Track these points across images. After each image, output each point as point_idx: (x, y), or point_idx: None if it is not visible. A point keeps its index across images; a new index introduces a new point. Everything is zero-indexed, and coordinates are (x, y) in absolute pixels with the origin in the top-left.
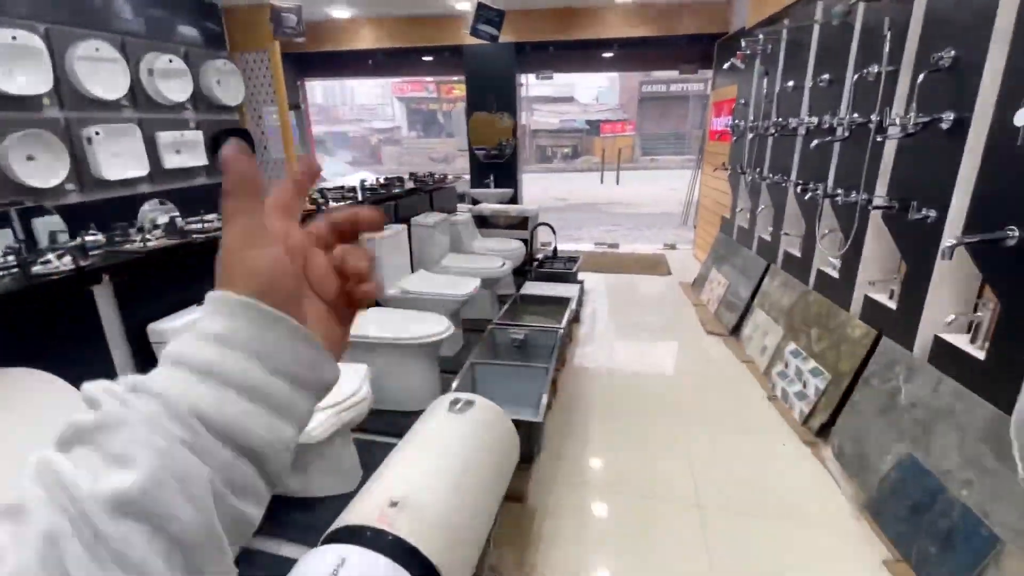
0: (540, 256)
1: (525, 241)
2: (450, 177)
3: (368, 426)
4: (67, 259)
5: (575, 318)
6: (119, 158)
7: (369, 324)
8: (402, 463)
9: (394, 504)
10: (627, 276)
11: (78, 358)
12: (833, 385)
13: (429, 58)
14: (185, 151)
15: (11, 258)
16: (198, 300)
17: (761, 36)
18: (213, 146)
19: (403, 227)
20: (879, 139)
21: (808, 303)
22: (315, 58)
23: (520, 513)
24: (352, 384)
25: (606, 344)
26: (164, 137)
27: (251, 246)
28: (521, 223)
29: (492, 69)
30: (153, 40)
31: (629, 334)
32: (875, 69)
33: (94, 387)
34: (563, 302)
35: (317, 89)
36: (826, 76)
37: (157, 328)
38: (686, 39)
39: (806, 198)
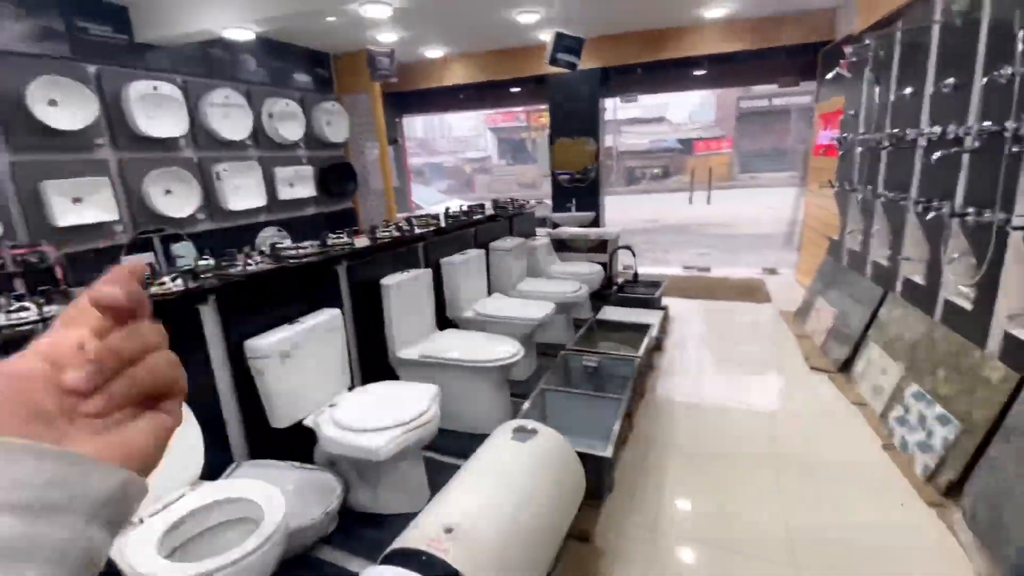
0: (620, 280)
1: (605, 265)
2: (531, 202)
3: (437, 446)
4: (179, 281)
5: (656, 346)
6: (241, 191)
7: (441, 345)
8: (461, 488)
9: (449, 531)
10: (720, 303)
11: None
12: (965, 436)
13: (516, 89)
14: (298, 184)
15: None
16: (289, 319)
17: (871, 41)
18: (322, 179)
19: (481, 252)
20: (1015, 150)
21: (934, 339)
22: (411, 96)
23: (586, 554)
24: (421, 404)
25: (692, 376)
26: (280, 172)
27: None
28: (600, 246)
29: (576, 96)
30: (274, 87)
31: (719, 366)
32: (1008, 70)
33: None
34: (642, 329)
35: (417, 124)
36: (950, 81)
37: (252, 344)
38: (785, 51)
39: (928, 218)
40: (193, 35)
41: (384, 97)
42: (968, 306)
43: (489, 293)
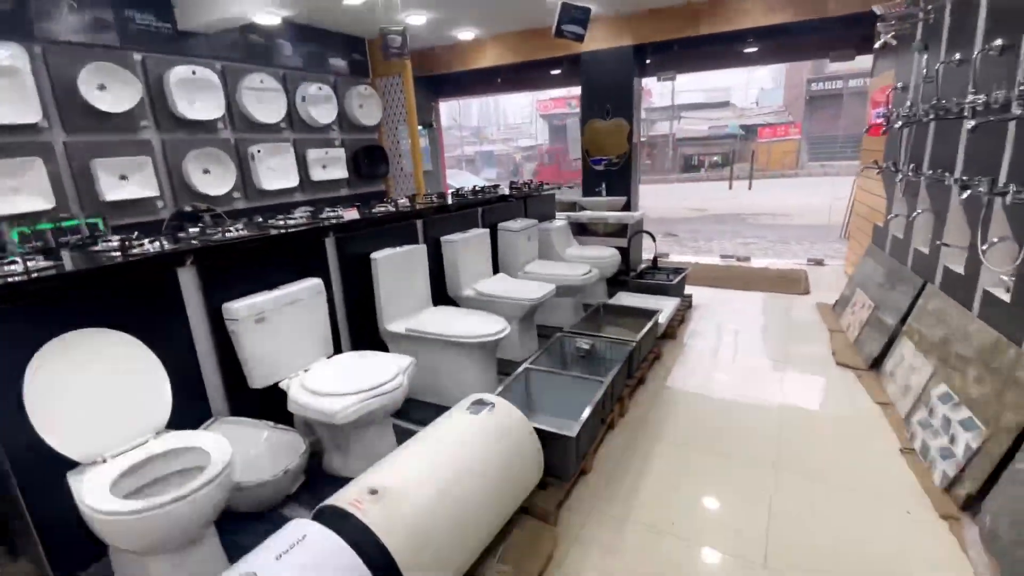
0: (640, 267)
1: (625, 250)
2: (551, 185)
3: (414, 417)
4: (156, 244)
5: (667, 334)
6: (275, 172)
7: (428, 319)
8: (405, 454)
9: (374, 492)
10: (753, 293)
11: (162, 327)
12: (991, 443)
13: (556, 71)
14: (330, 166)
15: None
16: (270, 286)
17: (922, 2)
18: (355, 161)
19: (485, 231)
20: None
21: (968, 333)
22: (447, 79)
23: (542, 533)
24: (386, 374)
25: (703, 367)
26: (313, 154)
27: None
28: (620, 231)
29: (609, 75)
30: (309, 72)
31: (736, 358)
32: None
33: None
34: (649, 315)
35: (473, 111)
36: (997, 43)
37: (227, 307)
38: (839, 21)
39: (964, 197)
40: (227, 21)
41: (419, 81)
42: (1006, 297)
43: (495, 273)
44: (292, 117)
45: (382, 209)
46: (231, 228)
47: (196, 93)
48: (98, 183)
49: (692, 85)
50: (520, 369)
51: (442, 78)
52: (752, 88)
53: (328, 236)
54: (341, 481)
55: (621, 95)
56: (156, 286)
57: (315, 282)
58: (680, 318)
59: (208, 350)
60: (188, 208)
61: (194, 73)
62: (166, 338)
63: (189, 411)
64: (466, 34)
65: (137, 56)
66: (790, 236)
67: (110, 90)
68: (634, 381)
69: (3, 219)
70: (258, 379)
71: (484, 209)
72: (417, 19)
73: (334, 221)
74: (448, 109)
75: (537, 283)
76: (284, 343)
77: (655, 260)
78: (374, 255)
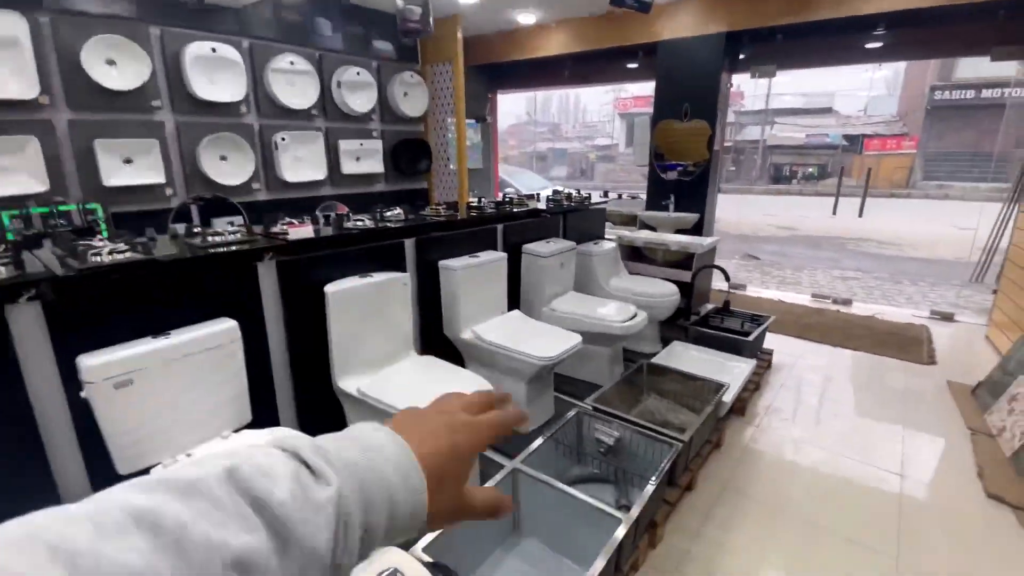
0: (706, 308)
1: (687, 285)
2: (597, 197)
3: None
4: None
5: (734, 407)
6: (301, 162)
7: (393, 378)
8: None
9: None
10: (855, 355)
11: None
12: None
13: (633, 64)
14: (364, 158)
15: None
16: (154, 330)
17: None
18: (393, 155)
19: (500, 256)
20: None
21: None
22: (506, 69)
23: None
24: None
25: (780, 472)
26: (344, 145)
27: (455, 430)
28: (684, 261)
29: (691, 68)
30: (349, 54)
31: (828, 464)
32: None
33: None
34: (712, 389)
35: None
36: None
37: (85, 364)
38: (1005, 6)
39: None
40: None
41: (474, 70)
42: None
43: (511, 309)
44: (325, 103)
45: (356, 225)
46: (105, 249)
47: (216, 72)
48: (99, 166)
49: (790, 88)
50: (506, 470)
51: (500, 68)
52: (860, 94)
53: (263, 260)
54: None
55: (704, 92)
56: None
57: (225, 326)
58: (754, 383)
59: (62, 422)
60: (206, 197)
61: (214, 51)
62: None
63: (21, 505)
64: (527, 17)
65: (155, 30)
66: (903, 272)
67: (119, 65)
68: (678, 491)
69: None
70: (124, 463)
71: (506, 226)
72: None
73: (274, 242)
74: (526, 103)
75: (556, 334)
76: (165, 411)
77: (727, 303)
78: (329, 288)
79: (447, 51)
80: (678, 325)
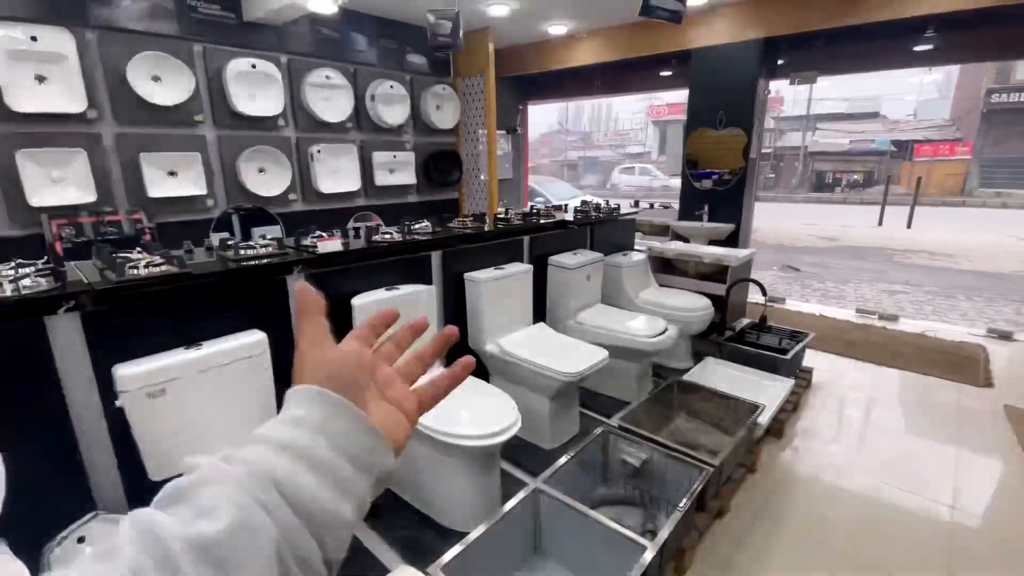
0: (741, 324)
1: (721, 299)
2: (626, 207)
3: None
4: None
5: (770, 429)
6: (336, 174)
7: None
8: None
9: None
10: (902, 375)
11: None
12: None
13: (667, 72)
14: (398, 170)
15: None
16: (188, 341)
17: None
18: (425, 167)
19: (527, 269)
20: None
21: None
22: (538, 80)
23: None
24: None
25: (816, 503)
26: (378, 157)
27: (316, 347)
28: (718, 273)
29: (726, 75)
30: (383, 68)
31: (871, 487)
32: None
33: (195, 458)
34: (746, 410)
35: (584, 116)
36: None
37: (120, 374)
38: None
39: None
40: (290, 8)
41: (505, 81)
42: None
43: (536, 321)
44: (359, 116)
45: (384, 238)
46: (141, 263)
47: (256, 87)
48: (144, 177)
49: (832, 93)
50: (528, 489)
51: (531, 79)
52: (908, 98)
53: (292, 273)
54: None
55: (740, 100)
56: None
57: (255, 338)
58: (792, 403)
59: (98, 429)
60: (246, 207)
61: (254, 67)
62: (23, 414)
63: (58, 506)
64: (557, 28)
65: (197, 47)
66: (957, 287)
67: (164, 81)
68: (708, 518)
69: (44, 210)
70: (156, 470)
71: (532, 237)
72: (499, 9)
73: (304, 255)
74: (558, 112)
75: (582, 349)
76: (196, 420)
77: (763, 319)
78: (356, 300)
79: (479, 63)
80: (711, 341)
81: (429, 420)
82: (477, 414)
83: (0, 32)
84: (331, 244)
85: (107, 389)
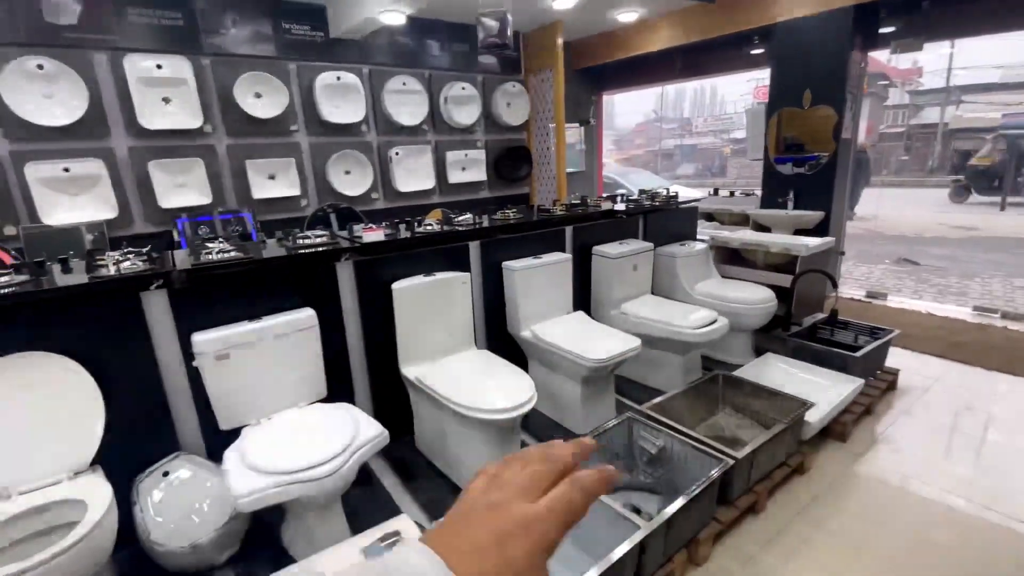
0: (815, 319)
1: (788, 292)
2: (684, 194)
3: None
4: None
5: (833, 432)
6: (413, 173)
7: (449, 368)
8: None
9: None
10: (1017, 381)
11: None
12: None
13: (757, 51)
14: (469, 168)
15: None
16: (251, 315)
17: None
18: (496, 163)
19: (566, 257)
20: None
21: None
22: (611, 69)
23: None
24: (327, 448)
25: (874, 505)
26: (451, 156)
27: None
28: (788, 264)
29: (812, 48)
30: (456, 71)
31: (939, 501)
32: None
33: None
34: (795, 406)
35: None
36: None
37: (196, 339)
38: None
39: None
40: (363, 25)
41: (577, 74)
42: None
43: (576, 309)
44: (434, 118)
45: (426, 229)
46: (215, 249)
47: (340, 98)
48: (249, 182)
49: (980, 59)
50: None
51: (604, 69)
52: None
53: (340, 260)
54: (283, 559)
55: (829, 75)
56: (120, 310)
57: (305, 314)
58: (864, 406)
59: (181, 384)
60: (337, 206)
61: (339, 79)
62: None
63: (148, 444)
64: (627, 16)
65: (292, 65)
66: None
67: (264, 97)
68: (734, 512)
69: (170, 211)
70: (223, 420)
71: (576, 227)
72: (565, 1)
73: (351, 244)
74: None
75: (615, 336)
76: (255, 382)
77: (833, 313)
78: (396, 285)
79: (548, 58)
80: (775, 336)
81: (454, 394)
82: (496, 390)
83: (134, 63)
84: (375, 235)
85: (188, 352)
